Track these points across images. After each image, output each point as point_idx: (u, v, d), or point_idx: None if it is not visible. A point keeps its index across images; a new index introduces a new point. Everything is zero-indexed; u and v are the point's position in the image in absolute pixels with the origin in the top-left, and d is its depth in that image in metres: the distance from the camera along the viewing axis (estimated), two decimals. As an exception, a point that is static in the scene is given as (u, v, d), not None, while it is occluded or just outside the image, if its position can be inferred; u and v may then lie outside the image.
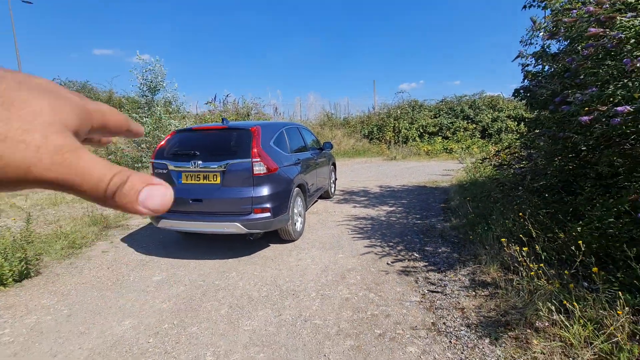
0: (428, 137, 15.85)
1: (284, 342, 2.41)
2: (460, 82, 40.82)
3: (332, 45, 49.42)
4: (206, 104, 13.74)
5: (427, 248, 4.01)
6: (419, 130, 15.91)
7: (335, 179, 7.28)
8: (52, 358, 2.34)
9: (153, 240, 4.71)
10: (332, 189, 6.91)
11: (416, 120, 16.04)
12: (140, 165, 10.26)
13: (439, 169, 10.67)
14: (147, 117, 10.26)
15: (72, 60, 44.29)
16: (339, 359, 2.21)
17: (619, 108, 2.38)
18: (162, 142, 4.17)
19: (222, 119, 4.27)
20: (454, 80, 42.02)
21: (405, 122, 16.00)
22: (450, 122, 15.83)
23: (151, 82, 10.55)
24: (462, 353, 2.20)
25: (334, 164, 7.00)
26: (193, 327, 2.65)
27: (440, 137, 15.70)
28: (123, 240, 4.78)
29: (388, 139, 15.90)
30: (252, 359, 2.25)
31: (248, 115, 13.93)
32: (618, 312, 1.99)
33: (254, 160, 3.68)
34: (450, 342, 2.32)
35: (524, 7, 5.06)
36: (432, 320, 2.58)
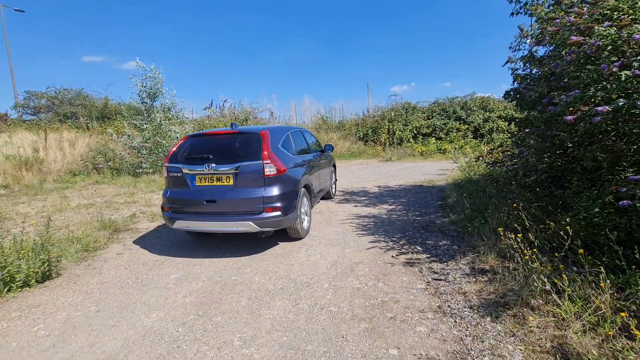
0: (422, 138, 16.24)
1: (304, 327, 2.64)
2: (451, 83, 41.52)
3: (328, 47, 49.87)
4: (204, 109, 13.93)
5: (428, 242, 4.27)
6: (413, 132, 16.29)
7: (336, 180, 7.53)
8: (90, 348, 2.53)
9: (164, 242, 4.90)
10: (333, 190, 7.16)
11: (410, 122, 16.42)
12: (140, 170, 10.38)
13: (434, 169, 10.99)
14: (147, 124, 10.41)
15: (61, 67, 43.84)
16: (356, 340, 2.44)
17: (599, 108, 2.67)
18: (174, 148, 4.38)
19: (232, 124, 4.50)
20: (444, 82, 42.73)
21: (399, 124, 16.38)
22: (443, 123, 16.24)
23: (150, 89, 10.71)
24: (466, 330, 2.45)
25: (334, 166, 7.25)
26: (217, 317, 2.85)
27: (433, 138, 16.09)
28: (135, 242, 4.96)
29: (383, 140, 16.24)
30: (277, 342, 2.47)
31: (246, 120, 14.16)
32: (601, 284, 2.26)
33: (264, 162, 3.91)
34: (455, 321, 2.57)
35: (512, 14, 5.40)
36: (437, 304, 2.84)
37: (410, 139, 16.12)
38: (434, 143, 15.68)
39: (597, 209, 3.21)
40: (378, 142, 16.43)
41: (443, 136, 16.06)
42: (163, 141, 10.22)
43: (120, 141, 10.88)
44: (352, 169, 12.20)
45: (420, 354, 2.24)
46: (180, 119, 11.40)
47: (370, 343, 2.39)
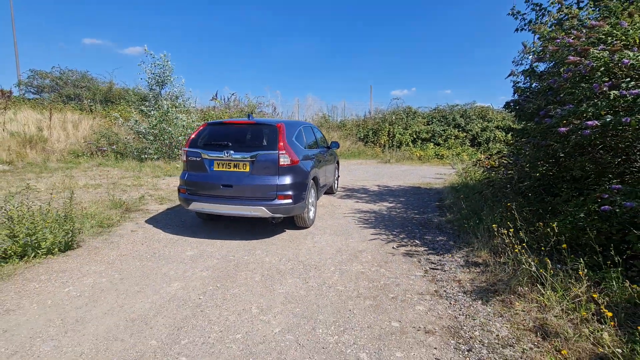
0: (421, 143, 16.60)
1: (315, 301, 2.93)
2: (451, 91, 42.01)
3: (332, 46, 49.98)
4: (211, 100, 14.14)
5: (426, 237, 4.60)
6: (413, 136, 16.65)
7: (339, 176, 7.84)
8: (120, 308, 2.80)
9: (176, 223, 5.16)
10: (336, 185, 7.47)
11: (410, 126, 16.78)
12: (145, 156, 10.56)
13: (432, 173, 11.35)
14: (155, 110, 10.59)
15: (60, 48, 43.31)
16: (362, 313, 2.74)
17: (588, 122, 3.00)
18: (193, 135, 4.64)
19: (248, 115, 4.77)
20: (445, 89, 43.25)
21: (399, 127, 16.73)
22: (442, 130, 16.62)
23: (159, 76, 10.90)
24: (460, 310, 2.77)
25: (338, 162, 7.55)
26: (234, 289, 3.14)
27: (432, 144, 16.46)
28: (147, 222, 5.21)
29: (382, 142, 16.58)
30: (291, 311, 2.76)
31: (252, 113, 14.39)
32: (580, 272, 2.59)
33: (280, 152, 4.19)
34: (450, 303, 2.89)
35: (516, 30, 5.75)
36: (434, 289, 3.15)
37: (410, 143, 16.48)
38: (432, 148, 16.04)
39: (582, 215, 3.56)
40: (378, 144, 16.76)
41: (441, 142, 16.44)
42: (169, 128, 10.41)
43: (127, 125, 11.03)
44: (352, 168, 12.51)
45: (419, 327, 2.55)
46: (187, 107, 11.59)
47: (374, 317, 2.70)
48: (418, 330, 2.52)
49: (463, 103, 17.46)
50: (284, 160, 4.21)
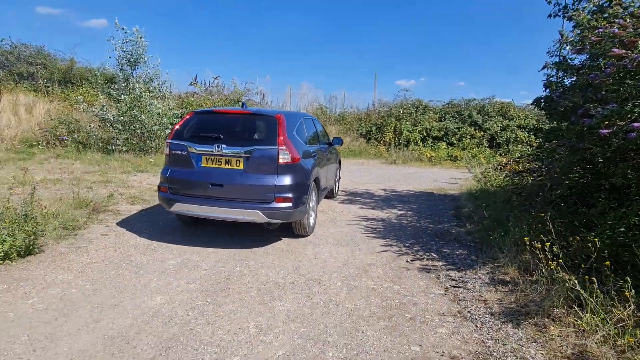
0: (432, 142, 16.73)
1: (321, 320, 2.96)
2: (465, 83, 42.38)
3: (334, 28, 49.88)
4: (190, 84, 14.08)
5: (444, 250, 4.67)
6: (422, 134, 16.77)
7: (340, 178, 7.88)
8: (96, 324, 2.79)
9: (153, 227, 5.14)
10: (337, 188, 7.51)
11: (420, 122, 16.91)
12: (112, 147, 10.46)
13: (444, 177, 11.48)
14: (125, 94, 10.51)
15: (10, 17, 42.31)
16: (376, 335, 2.78)
17: (635, 124, 3.10)
18: (177, 126, 4.62)
19: (242, 104, 4.79)
20: (458, 81, 43.58)
21: (407, 123, 16.83)
22: (457, 128, 16.77)
23: (131, 55, 10.81)
24: (488, 334, 2.82)
25: (339, 162, 7.60)
26: (227, 305, 3.14)
27: (444, 143, 16.59)
28: (119, 225, 5.18)
29: (388, 140, 16.68)
30: (295, 332, 2.78)
31: (238, 101, 14.38)
32: (626, 293, 2.67)
33: (280, 148, 4.21)
34: (476, 326, 2.95)
35: (549, 15, 5.87)
36: (457, 309, 3.21)
37: (419, 142, 16.58)
38: (444, 148, 16.18)
39: (622, 229, 3.65)
40: (382, 142, 16.85)
41: (455, 142, 16.56)
42: (142, 116, 10.34)
43: (91, 111, 10.90)
44: (352, 169, 12.57)
45: (443, 352, 2.59)
46: (163, 92, 11.52)
47: (391, 339, 2.73)
48: (442, 355, 2.56)
49: (481, 98, 17.67)
50: (284, 157, 4.23)
